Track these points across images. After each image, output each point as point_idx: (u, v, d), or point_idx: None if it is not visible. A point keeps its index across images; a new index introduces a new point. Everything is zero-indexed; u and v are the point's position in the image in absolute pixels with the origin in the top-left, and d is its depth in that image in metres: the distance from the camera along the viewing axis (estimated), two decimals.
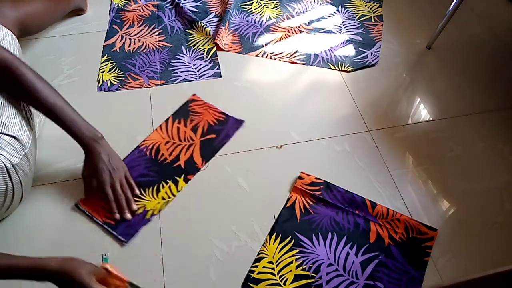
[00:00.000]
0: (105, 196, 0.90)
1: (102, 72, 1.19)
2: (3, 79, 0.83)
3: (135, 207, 0.92)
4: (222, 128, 1.07)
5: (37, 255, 0.86)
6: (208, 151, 1.03)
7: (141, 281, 0.83)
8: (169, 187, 0.96)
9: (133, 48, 1.27)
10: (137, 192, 0.94)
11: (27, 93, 0.84)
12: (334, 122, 1.12)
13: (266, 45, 1.30)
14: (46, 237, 0.88)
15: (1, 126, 0.81)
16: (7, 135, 0.81)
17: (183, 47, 1.28)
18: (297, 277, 0.85)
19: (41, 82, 0.85)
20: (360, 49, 1.31)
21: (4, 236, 0.88)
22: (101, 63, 1.22)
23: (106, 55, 1.24)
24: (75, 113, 0.88)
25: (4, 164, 0.79)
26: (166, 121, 1.09)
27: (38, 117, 1.00)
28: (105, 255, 0.85)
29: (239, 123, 1.08)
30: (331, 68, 1.26)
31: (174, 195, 0.95)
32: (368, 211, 0.94)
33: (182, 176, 0.98)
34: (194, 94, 1.14)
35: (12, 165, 0.81)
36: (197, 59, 1.25)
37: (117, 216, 0.90)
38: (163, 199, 0.94)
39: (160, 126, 1.07)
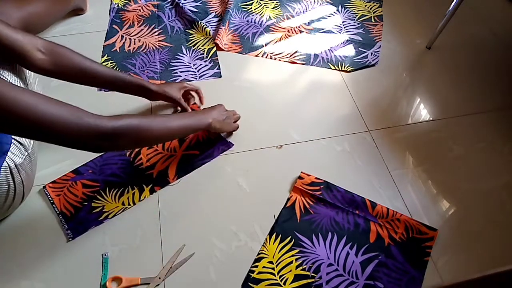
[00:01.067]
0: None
1: None
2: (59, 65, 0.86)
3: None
4: (208, 148, 1.04)
5: (38, 255, 0.87)
6: (185, 166, 1.00)
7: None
8: (133, 193, 0.95)
9: (133, 48, 1.27)
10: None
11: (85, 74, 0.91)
12: (334, 122, 1.12)
13: (266, 45, 1.30)
14: (47, 237, 0.88)
15: None
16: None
17: (183, 47, 1.28)
18: (297, 277, 0.85)
19: (86, 59, 0.91)
20: (360, 49, 1.31)
21: (5, 235, 0.88)
22: (101, 63, 1.22)
23: (106, 55, 1.24)
24: (126, 74, 1.00)
25: (7, 163, 0.79)
26: None
27: None
28: (105, 255, 0.85)
29: (227, 145, 1.05)
30: (331, 68, 1.26)
31: (134, 203, 0.94)
32: (368, 211, 0.94)
33: (150, 186, 0.96)
34: (194, 103, 1.13)
35: (15, 165, 0.81)
36: (197, 59, 1.25)
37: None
38: (123, 204, 0.93)
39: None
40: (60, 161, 0.99)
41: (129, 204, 0.93)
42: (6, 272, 0.83)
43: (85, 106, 0.91)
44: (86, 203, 0.93)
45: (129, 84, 0.97)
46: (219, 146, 1.05)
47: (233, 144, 1.05)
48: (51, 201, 0.93)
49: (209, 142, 1.05)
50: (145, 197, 0.95)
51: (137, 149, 1.03)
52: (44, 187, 0.95)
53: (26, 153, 0.84)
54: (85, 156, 1.00)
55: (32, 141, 0.86)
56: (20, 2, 1.06)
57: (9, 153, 0.80)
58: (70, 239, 0.88)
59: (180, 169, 1.00)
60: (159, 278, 0.83)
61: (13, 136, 0.82)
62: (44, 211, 0.92)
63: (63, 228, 0.89)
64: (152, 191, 0.96)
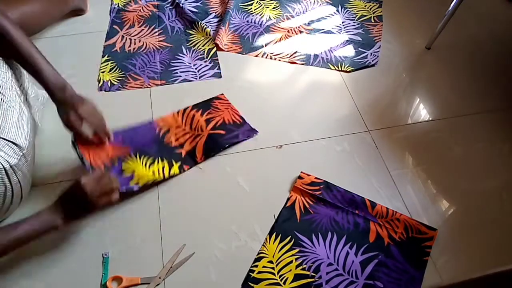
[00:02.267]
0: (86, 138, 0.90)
1: (103, 72, 1.20)
2: None
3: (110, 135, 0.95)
4: (234, 130, 1.07)
5: (38, 255, 0.87)
6: (212, 146, 1.03)
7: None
8: (163, 166, 0.97)
9: (134, 48, 1.27)
10: (111, 139, 0.95)
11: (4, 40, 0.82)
12: (334, 122, 1.12)
13: (266, 45, 1.31)
14: (47, 237, 0.88)
15: None
16: (3, 139, 0.81)
17: (183, 47, 1.29)
18: (297, 277, 0.85)
19: (15, 29, 0.82)
20: (359, 49, 1.31)
21: None
22: (101, 63, 1.22)
23: (107, 55, 1.24)
24: (44, 61, 0.85)
25: (2, 165, 0.78)
26: (185, 109, 1.10)
27: (37, 116, 1.00)
28: (106, 254, 0.85)
29: (252, 132, 1.07)
30: (331, 68, 1.26)
31: (164, 176, 0.96)
32: (367, 210, 0.94)
33: (179, 163, 0.99)
34: (222, 94, 1.15)
35: (10, 166, 0.80)
36: (197, 59, 1.25)
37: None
38: (153, 173, 0.95)
39: (178, 112, 1.09)
40: (59, 161, 0.99)
41: (158, 175, 0.95)
42: (6, 272, 0.83)
43: None
44: (116, 164, 0.94)
45: (33, 72, 0.85)
46: (244, 131, 1.07)
47: (257, 132, 1.07)
48: (80, 156, 0.89)
49: (235, 125, 1.08)
50: (174, 173, 0.97)
51: (166, 129, 1.04)
52: (73, 142, 0.89)
53: (21, 153, 0.83)
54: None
55: (27, 141, 0.86)
56: (14, 2, 1.05)
57: (3, 154, 0.79)
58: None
59: (207, 148, 1.02)
60: (159, 277, 0.83)
61: (4, 137, 0.81)
62: None
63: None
64: (181, 169, 0.98)
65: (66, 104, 0.87)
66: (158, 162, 0.97)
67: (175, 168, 0.98)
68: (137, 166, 0.95)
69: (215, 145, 1.03)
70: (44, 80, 0.85)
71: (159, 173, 0.95)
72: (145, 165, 0.96)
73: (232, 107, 1.12)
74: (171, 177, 0.97)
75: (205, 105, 1.12)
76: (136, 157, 0.97)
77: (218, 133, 1.05)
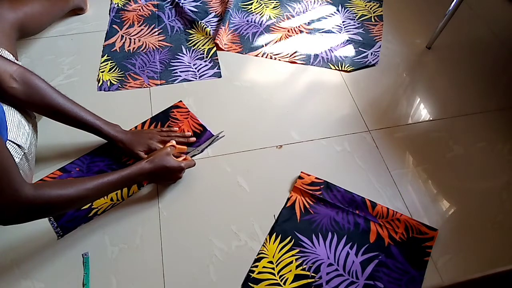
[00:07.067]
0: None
1: (102, 72, 1.19)
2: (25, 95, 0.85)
3: (188, 133, 1.05)
4: (196, 141, 1.05)
5: (38, 255, 0.86)
6: None
7: (141, 281, 0.83)
8: (121, 190, 0.94)
9: (133, 48, 1.27)
10: (176, 128, 1.05)
11: (50, 108, 0.88)
12: (334, 122, 1.12)
13: (266, 45, 1.30)
14: (48, 237, 0.88)
15: None
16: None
17: (183, 47, 1.28)
18: (297, 277, 0.85)
19: (56, 93, 0.89)
20: (360, 49, 1.31)
21: (5, 235, 0.88)
22: (101, 63, 1.22)
23: (106, 55, 1.24)
24: (93, 116, 0.94)
25: None
26: (143, 123, 1.08)
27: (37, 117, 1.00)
28: (86, 255, 0.85)
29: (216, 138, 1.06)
30: (331, 68, 1.26)
31: (123, 199, 0.94)
32: (368, 211, 0.94)
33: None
34: (181, 101, 1.13)
35: None
36: (197, 59, 1.25)
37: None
38: (111, 200, 0.93)
39: (136, 127, 1.07)
40: (59, 161, 0.99)
41: (117, 200, 0.93)
42: (6, 272, 0.83)
43: (85, 106, 0.92)
44: None
45: (93, 129, 0.93)
46: (205, 138, 1.05)
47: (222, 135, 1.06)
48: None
49: (195, 135, 1.05)
50: (133, 192, 0.95)
51: None
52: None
53: (23, 153, 0.84)
54: (80, 154, 1.00)
55: (28, 141, 0.86)
56: (16, 3, 1.05)
57: None
58: (60, 237, 0.88)
59: None
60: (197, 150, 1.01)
61: (8, 137, 0.81)
62: None
63: (52, 226, 0.89)
64: (140, 186, 0.96)
65: (130, 141, 0.97)
66: None
67: (134, 187, 0.95)
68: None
69: None
70: (105, 135, 0.95)
71: (117, 199, 0.93)
72: None
73: (191, 115, 1.09)
74: (129, 196, 0.94)
75: (164, 117, 1.09)
76: None
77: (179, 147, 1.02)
